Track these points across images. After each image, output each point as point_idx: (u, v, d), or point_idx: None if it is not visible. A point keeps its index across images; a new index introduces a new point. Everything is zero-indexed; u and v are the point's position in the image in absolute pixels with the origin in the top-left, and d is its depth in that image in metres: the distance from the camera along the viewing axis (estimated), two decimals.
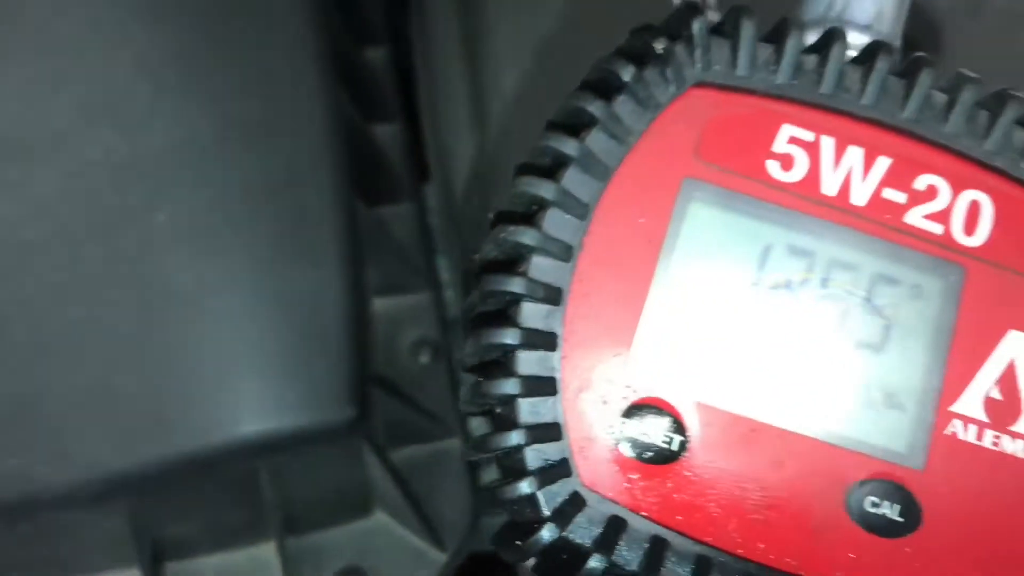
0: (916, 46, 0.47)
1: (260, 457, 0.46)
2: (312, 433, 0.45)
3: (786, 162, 0.26)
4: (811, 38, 0.30)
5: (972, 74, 0.27)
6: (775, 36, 0.26)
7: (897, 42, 0.32)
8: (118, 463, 0.43)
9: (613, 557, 0.23)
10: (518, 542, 0.23)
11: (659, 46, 0.25)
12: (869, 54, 0.26)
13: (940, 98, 0.27)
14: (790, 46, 0.26)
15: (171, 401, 0.44)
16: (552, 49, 0.48)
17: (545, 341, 0.24)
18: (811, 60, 0.26)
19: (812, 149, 0.26)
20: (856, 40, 0.31)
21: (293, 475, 0.48)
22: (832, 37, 0.26)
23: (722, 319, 0.25)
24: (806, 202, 0.26)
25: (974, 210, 0.26)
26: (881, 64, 0.26)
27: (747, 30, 0.26)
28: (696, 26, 0.25)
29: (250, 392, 0.44)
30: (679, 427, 0.25)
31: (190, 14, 0.47)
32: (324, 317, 0.46)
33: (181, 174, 0.45)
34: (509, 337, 0.24)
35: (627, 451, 0.24)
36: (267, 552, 0.50)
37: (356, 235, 0.49)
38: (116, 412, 0.43)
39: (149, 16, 0.46)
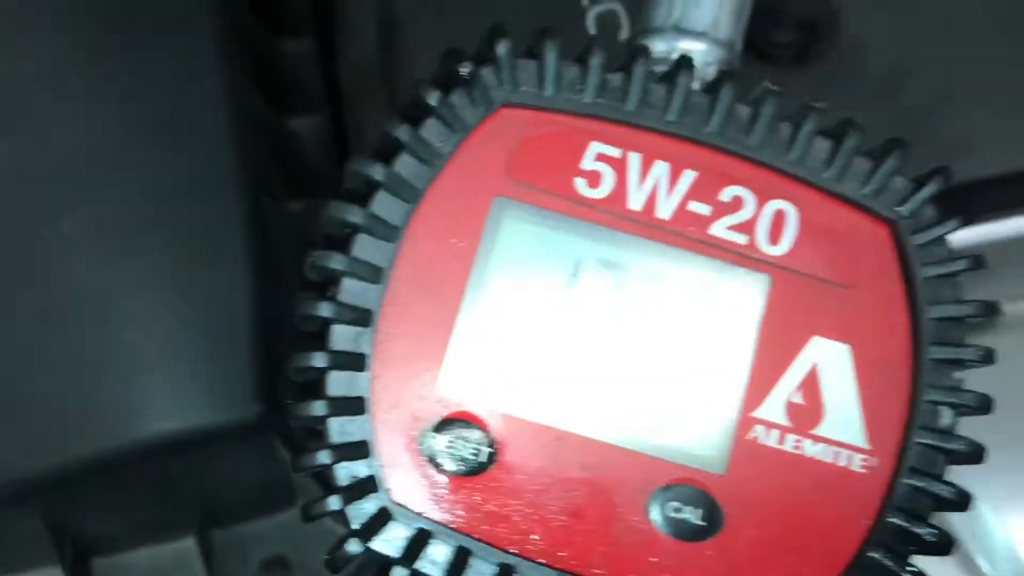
0: (814, 31, 0.48)
1: (170, 456, 0.47)
2: (220, 431, 0.46)
3: (594, 179, 0.27)
4: (656, 45, 0.31)
5: (774, 87, 0.28)
6: (582, 57, 0.27)
7: (737, 46, 0.33)
8: (28, 465, 0.44)
9: (418, 568, 0.25)
10: (326, 556, 0.24)
11: (464, 70, 0.26)
12: (674, 70, 0.27)
13: (743, 111, 0.27)
14: (594, 66, 0.27)
15: (79, 403, 0.45)
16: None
17: (354, 362, 0.25)
18: (617, 79, 0.27)
19: (619, 165, 0.27)
20: (693, 47, 0.31)
21: (209, 471, 0.50)
22: (636, 55, 0.27)
23: (532, 333, 0.26)
24: (614, 217, 0.27)
25: (779, 220, 0.27)
26: (683, 80, 0.27)
27: (551, 51, 0.27)
28: (501, 49, 0.26)
29: (158, 392, 0.45)
30: (488, 439, 0.26)
31: (92, 16, 0.48)
32: (232, 317, 0.47)
33: (85, 179, 0.46)
34: (318, 360, 0.25)
35: (436, 465, 0.26)
36: (193, 545, 0.51)
37: (266, 233, 0.50)
38: (23, 415, 0.45)
39: (48, 19, 0.47)
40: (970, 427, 0.54)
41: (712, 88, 0.27)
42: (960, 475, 0.55)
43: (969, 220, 0.27)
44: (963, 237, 0.48)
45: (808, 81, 0.47)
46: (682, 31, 0.31)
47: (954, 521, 0.55)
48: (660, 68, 0.29)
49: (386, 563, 0.25)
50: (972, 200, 0.47)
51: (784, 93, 0.27)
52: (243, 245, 0.48)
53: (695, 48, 0.31)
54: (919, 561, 0.28)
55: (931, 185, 0.27)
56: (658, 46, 0.31)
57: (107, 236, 0.46)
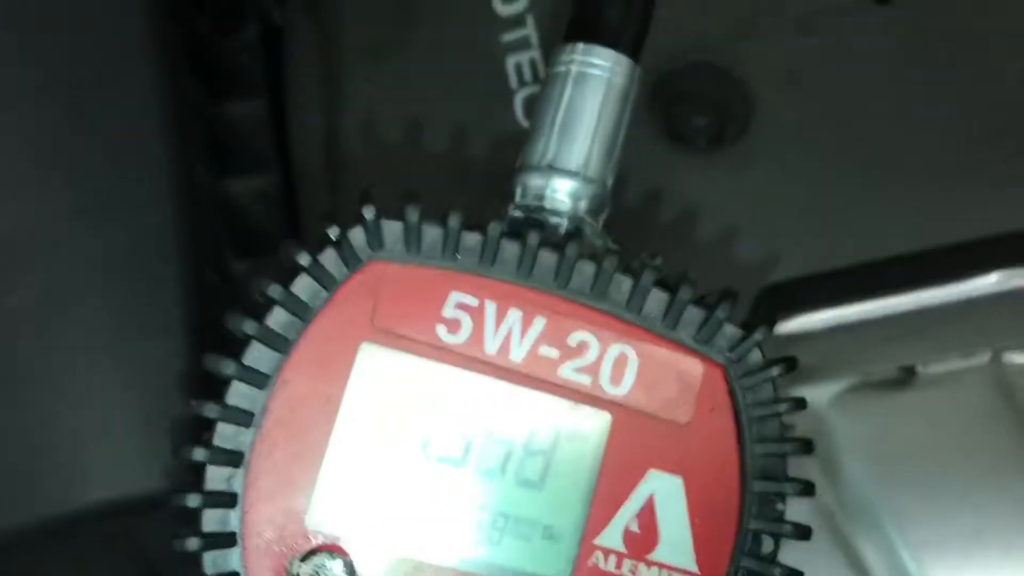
0: (729, 114, 0.51)
1: (111, 521, 0.49)
2: (158, 497, 0.49)
3: (453, 325, 0.30)
4: (533, 181, 0.34)
5: (614, 246, 0.31)
6: (443, 217, 0.30)
7: (609, 181, 0.36)
8: None
9: None
10: None
11: (333, 234, 0.29)
12: (525, 232, 0.30)
13: (587, 267, 0.30)
14: (452, 228, 0.30)
15: (22, 472, 0.47)
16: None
17: (226, 501, 0.28)
18: (473, 238, 0.30)
19: (477, 313, 0.30)
20: (566, 186, 0.34)
21: (150, 534, 0.52)
22: (493, 220, 0.30)
23: (393, 468, 0.29)
24: (472, 361, 0.30)
25: (620, 363, 0.30)
26: (532, 241, 0.30)
27: (411, 215, 0.30)
28: (367, 214, 0.29)
29: (98, 461, 0.47)
30: (351, 569, 0.29)
31: (30, 90, 0.50)
32: (170, 386, 0.49)
33: (30, 255, 0.48)
34: (192, 500, 0.28)
35: None
36: None
37: (207, 302, 0.52)
38: None
39: None
40: (891, 474, 0.56)
41: (559, 247, 0.30)
42: (884, 523, 0.57)
43: (794, 367, 0.30)
44: (879, 307, 0.51)
45: (724, 162, 0.50)
46: (555, 169, 0.34)
47: (875, 568, 0.58)
48: (535, 203, 0.32)
49: None
50: (887, 272, 0.50)
51: (620, 252, 0.30)
52: (183, 315, 0.50)
53: (566, 185, 0.34)
54: None
55: (756, 334, 0.30)
56: (535, 181, 0.34)
57: (50, 308, 0.48)
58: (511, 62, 0.52)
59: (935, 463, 0.58)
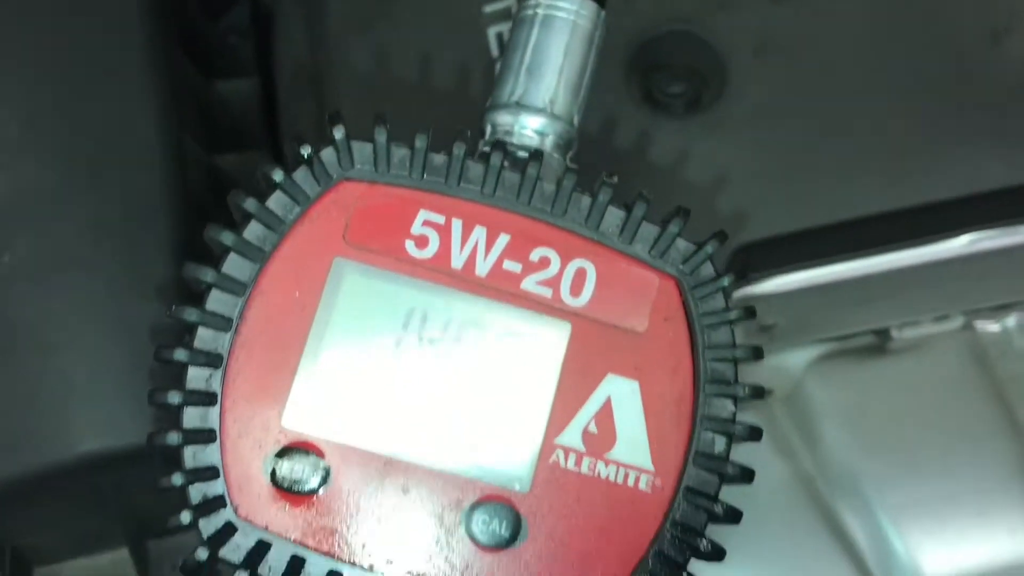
0: (705, 81, 0.53)
1: (101, 473, 0.51)
2: (147, 450, 0.50)
3: (421, 241, 0.32)
4: (501, 119, 0.35)
5: (572, 165, 0.32)
6: (409, 139, 0.32)
7: (575, 119, 0.37)
8: None
9: (258, 572, 0.29)
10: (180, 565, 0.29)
11: (305, 152, 0.31)
12: (489, 151, 0.32)
13: (548, 186, 0.32)
14: (418, 148, 0.32)
15: (15, 424, 0.49)
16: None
17: (205, 399, 0.30)
18: (440, 158, 0.32)
19: (444, 230, 0.32)
20: (533, 122, 0.36)
21: (139, 487, 0.53)
22: (456, 138, 0.32)
23: (364, 374, 0.31)
24: (439, 274, 0.32)
25: (580, 276, 0.32)
26: (495, 160, 0.32)
27: (380, 136, 0.31)
28: (337, 134, 0.31)
29: (89, 414, 0.48)
30: (323, 465, 0.31)
31: (30, 67, 0.52)
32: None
33: (25, 217, 0.50)
34: (174, 397, 0.30)
35: (277, 486, 0.30)
36: (128, 555, 0.56)
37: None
38: None
39: None
40: (868, 439, 0.58)
41: (522, 166, 0.32)
42: (863, 487, 0.59)
43: (743, 276, 0.32)
44: (851, 268, 0.53)
45: (700, 127, 0.52)
46: (522, 107, 0.36)
47: (853, 530, 0.59)
48: (506, 139, 0.34)
49: (231, 569, 0.29)
50: (858, 234, 0.51)
51: (577, 170, 0.32)
52: (172, 279, 0.52)
53: (533, 121, 0.35)
54: None
55: (707, 247, 0.32)
56: (503, 119, 0.36)
57: (44, 269, 0.50)
58: (492, 32, 0.53)
59: (911, 429, 0.60)
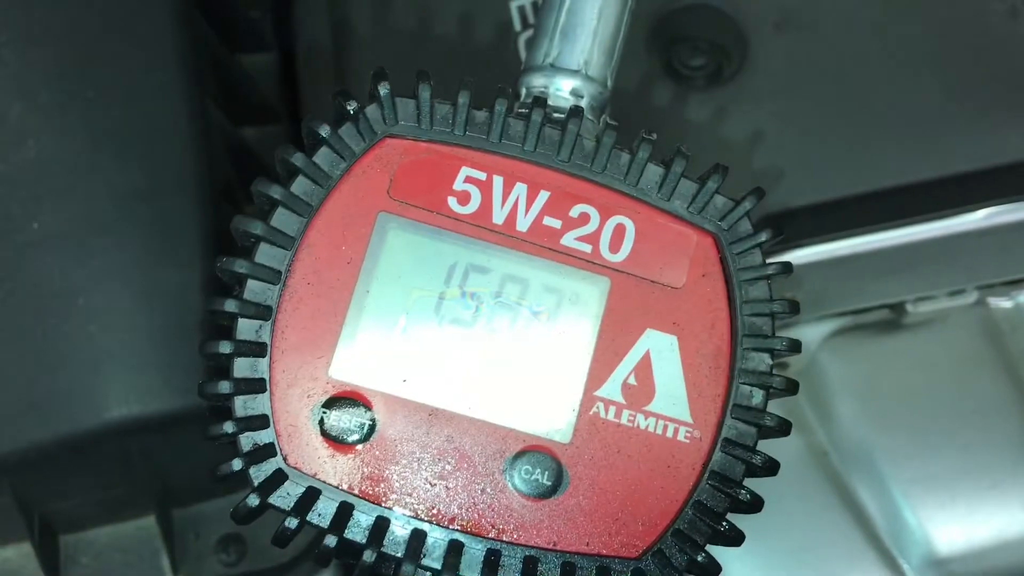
0: (726, 54, 0.53)
1: (129, 439, 0.52)
2: (175, 416, 0.51)
3: (463, 198, 0.32)
4: (536, 81, 0.36)
5: (612, 122, 0.33)
6: (454, 96, 0.32)
7: (610, 82, 0.38)
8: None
9: (307, 519, 0.30)
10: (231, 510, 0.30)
11: (351, 107, 0.32)
12: (530, 109, 0.32)
13: (588, 143, 0.33)
14: (461, 104, 0.32)
15: (46, 390, 0.49)
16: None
17: (256, 350, 0.31)
18: (482, 115, 0.32)
19: (485, 187, 0.32)
20: (568, 84, 0.36)
21: (167, 454, 0.54)
22: (498, 95, 0.32)
23: (411, 325, 0.32)
24: (481, 229, 0.32)
25: (619, 232, 0.33)
26: (536, 117, 0.32)
27: (424, 92, 0.32)
28: (382, 91, 0.32)
29: (118, 380, 0.49)
30: (370, 415, 0.31)
31: (59, 37, 0.52)
32: (188, 312, 0.51)
33: (54, 185, 0.51)
34: (225, 348, 0.30)
35: (325, 435, 0.31)
36: (153, 523, 0.56)
37: (219, 235, 0.54)
38: None
39: (17, 36, 0.51)
40: (881, 414, 0.58)
41: (562, 123, 0.33)
42: (876, 461, 0.59)
43: (780, 234, 0.32)
44: (869, 241, 0.53)
45: (722, 99, 0.52)
46: (557, 69, 0.36)
47: (867, 504, 0.60)
48: (534, 99, 0.34)
49: (282, 514, 0.30)
50: (875, 207, 0.52)
51: (617, 127, 0.33)
52: (200, 246, 0.53)
53: (568, 83, 0.36)
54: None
55: (745, 203, 0.33)
56: (537, 81, 0.36)
57: (74, 236, 0.51)
58: (515, 6, 0.54)
59: (925, 403, 0.61)
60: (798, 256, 0.53)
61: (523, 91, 0.37)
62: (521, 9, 0.54)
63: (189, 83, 0.53)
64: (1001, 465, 0.60)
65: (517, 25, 0.53)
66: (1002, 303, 0.62)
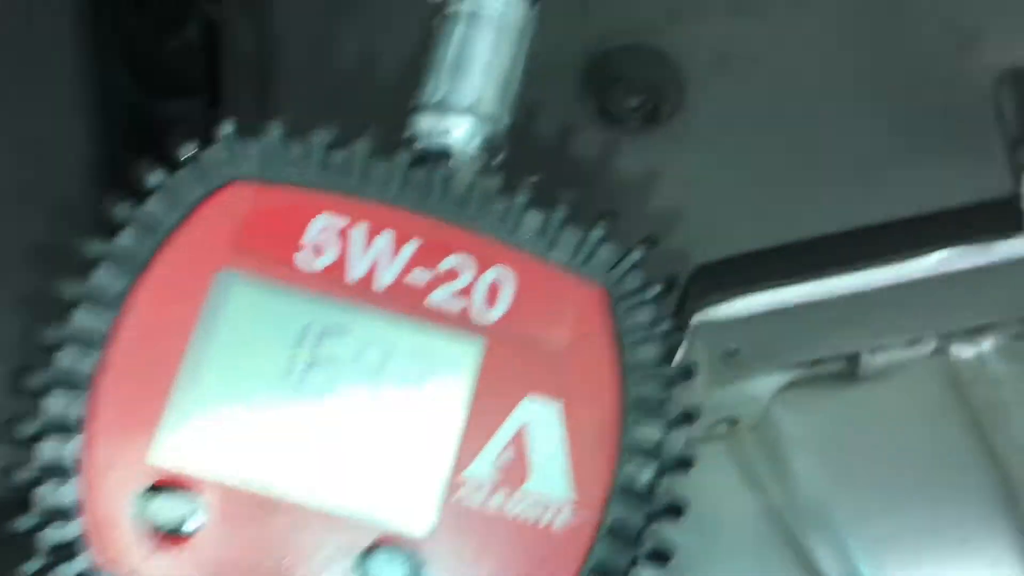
0: (662, 95, 0.51)
1: None
2: None
3: (318, 249, 0.29)
4: (425, 120, 0.33)
5: (492, 168, 0.29)
6: (300, 134, 0.29)
7: (505, 120, 0.34)
8: None
9: None
10: None
11: (187, 150, 0.28)
12: (395, 148, 0.29)
13: (462, 187, 0.29)
14: (316, 144, 0.28)
15: None
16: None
17: (64, 428, 0.26)
18: (340, 155, 0.29)
19: (344, 236, 0.29)
20: (458, 122, 0.33)
21: None
22: (359, 134, 0.29)
23: (250, 399, 0.28)
24: (337, 286, 0.29)
25: (495, 286, 0.29)
26: (402, 159, 0.29)
27: (275, 129, 0.28)
28: (226, 129, 0.28)
29: None
30: (198, 504, 0.27)
31: None
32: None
33: None
34: (29, 427, 0.26)
35: (144, 528, 0.27)
36: None
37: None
38: None
39: None
40: (840, 470, 0.55)
41: (433, 165, 0.29)
42: (835, 520, 0.56)
43: (671, 286, 0.29)
44: (817, 288, 0.50)
45: (658, 142, 0.50)
46: (448, 107, 0.33)
47: (826, 566, 0.56)
48: (430, 140, 0.31)
49: None
50: (824, 252, 0.49)
51: (498, 171, 0.29)
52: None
53: (459, 122, 0.33)
54: None
55: (635, 253, 0.29)
56: (426, 120, 0.33)
57: None
58: None
59: (885, 458, 0.57)
60: (743, 306, 0.50)
61: (412, 131, 0.33)
62: None
63: (96, 134, 0.51)
64: (969, 520, 0.56)
65: None
66: (963, 352, 0.59)
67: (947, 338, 0.57)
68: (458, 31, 0.34)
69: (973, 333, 0.57)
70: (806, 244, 0.49)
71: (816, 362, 0.58)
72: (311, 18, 0.54)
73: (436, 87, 0.33)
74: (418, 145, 0.30)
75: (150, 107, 0.61)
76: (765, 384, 0.59)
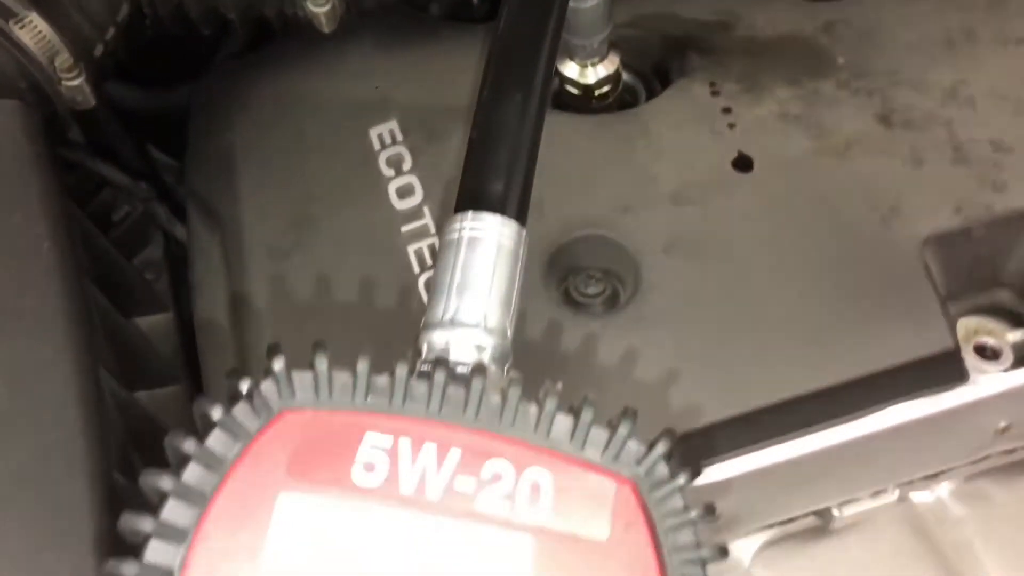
0: (621, 280, 0.54)
1: None
2: None
3: (369, 467, 0.31)
4: (437, 337, 0.35)
5: (516, 374, 0.32)
6: (352, 363, 0.31)
7: (509, 331, 0.38)
8: None
9: None
10: None
11: (244, 386, 0.30)
12: (432, 369, 0.32)
13: (495, 398, 0.32)
14: (361, 372, 0.31)
15: None
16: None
17: None
18: (383, 380, 0.31)
19: (392, 453, 0.31)
20: (469, 338, 0.36)
21: None
22: (399, 360, 0.31)
23: None
24: (391, 500, 0.31)
25: (535, 488, 0.31)
26: (439, 377, 0.31)
27: (320, 363, 0.31)
28: (276, 365, 0.30)
29: None
30: None
31: None
32: None
33: None
34: None
35: None
36: None
37: (116, 511, 0.51)
38: None
39: None
40: None
41: (466, 380, 0.32)
42: None
43: (698, 473, 0.32)
44: (782, 451, 0.53)
45: (621, 324, 0.53)
46: (456, 324, 0.36)
47: None
48: (435, 357, 0.34)
49: None
50: (777, 421, 0.52)
51: (520, 380, 0.32)
52: (93, 531, 0.49)
53: (468, 337, 0.35)
54: None
55: (660, 446, 0.32)
56: (438, 337, 0.36)
57: None
58: (412, 250, 0.55)
59: None
60: (714, 473, 0.52)
61: (424, 348, 0.36)
62: (418, 252, 0.55)
63: (78, 355, 0.52)
64: None
65: (416, 268, 0.54)
66: (923, 497, 0.62)
67: (907, 485, 0.60)
68: (460, 254, 0.37)
69: (930, 479, 0.61)
70: (768, 409, 0.52)
71: (788, 520, 0.60)
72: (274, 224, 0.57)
73: (445, 306, 0.36)
74: (452, 359, 0.33)
75: (122, 325, 0.62)
76: (745, 546, 0.61)
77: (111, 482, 0.51)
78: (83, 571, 0.46)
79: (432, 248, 0.53)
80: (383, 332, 0.47)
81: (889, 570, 0.59)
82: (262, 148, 0.59)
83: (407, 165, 0.55)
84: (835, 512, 0.59)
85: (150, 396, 0.64)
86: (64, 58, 0.55)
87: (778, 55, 0.60)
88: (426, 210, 0.55)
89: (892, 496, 0.59)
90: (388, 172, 0.56)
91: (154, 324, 0.69)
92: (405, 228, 0.54)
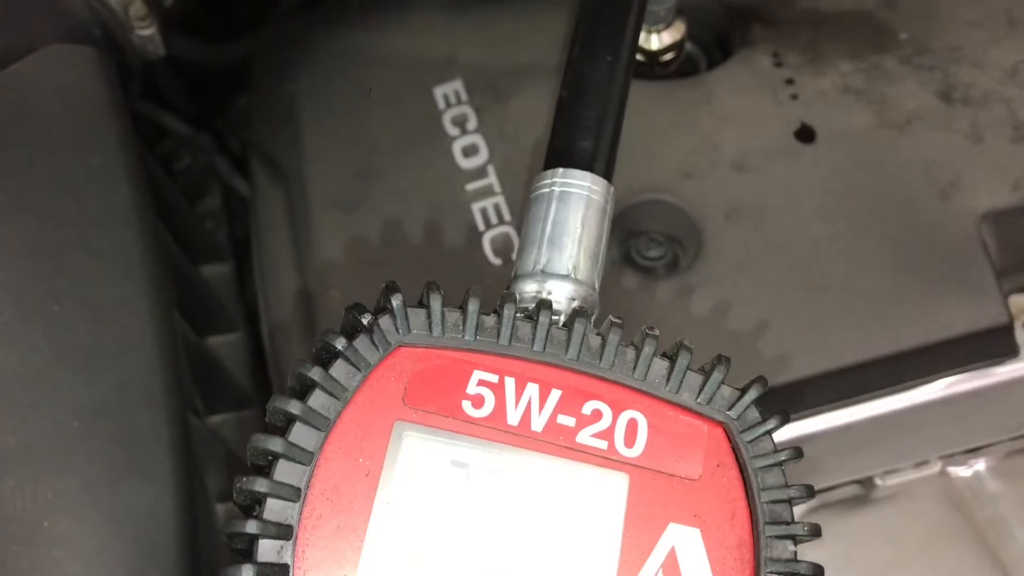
0: (682, 245, 0.55)
1: None
2: None
3: (477, 401, 0.33)
4: (528, 287, 0.37)
5: (617, 320, 0.34)
6: (462, 303, 0.33)
7: (596, 284, 0.39)
8: None
9: None
10: None
11: (365, 319, 0.32)
12: (536, 310, 0.33)
13: (595, 340, 0.33)
14: (471, 311, 0.33)
15: None
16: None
17: (277, 572, 0.30)
18: (491, 320, 0.33)
19: (498, 389, 0.33)
20: (559, 288, 0.37)
21: None
22: (504, 300, 0.33)
23: (431, 535, 0.31)
24: (497, 432, 0.33)
25: (632, 427, 0.33)
26: (543, 319, 0.33)
27: (435, 302, 0.33)
28: (395, 302, 0.32)
29: None
30: None
31: (21, 253, 0.52)
32: (157, 532, 0.49)
33: (17, 401, 0.49)
34: (246, 572, 0.29)
35: None
36: None
37: (189, 449, 0.53)
38: None
39: None
40: None
41: (568, 323, 0.33)
42: None
43: (787, 417, 0.33)
44: (834, 418, 0.54)
45: (682, 287, 0.54)
46: (547, 274, 0.37)
47: None
48: (530, 304, 0.35)
49: None
50: (831, 387, 0.53)
51: (622, 325, 0.33)
52: (170, 463, 0.51)
53: (559, 287, 0.37)
54: None
55: (752, 391, 0.34)
56: (529, 286, 0.37)
57: (37, 455, 0.49)
58: (476, 208, 0.56)
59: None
60: None
61: (517, 296, 0.37)
62: (483, 210, 0.56)
63: (154, 296, 0.53)
64: None
65: (480, 225, 0.55)
66: (961, 472, 0.63)
67: (947, 459, 0.61)
68: (550, 207, 0.38)
69: (969, 454, 0.62)
70: (821, 376, 0.53)
71: (829, 488, 0.61)
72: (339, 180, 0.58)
73: (536, 257, 0.38)
74: (538, 303, 0.34)
75: (191, 272, 0.64)
76: None
77: (186, 420, 0.53)
78: (159, 506, 0.47)
79: (496, 207, 0.54)
80: (449, 287, 0.49)
81: (925, 541, 0.60)
82: (326, 101, 0.59)
83: (472, 124, 0.56)
84: (878, 481, 0.59)
85: (213, 342, 0.65)
86: (138, 7, 0.55)
87: (840, 28, 0.60)
88: (491, 169, 0.55)
89: (935, 468, 0.60)
90: (453, 131, 0.56)
91: (215, 273, 0.70)
92: (470, 186, 0.55)
